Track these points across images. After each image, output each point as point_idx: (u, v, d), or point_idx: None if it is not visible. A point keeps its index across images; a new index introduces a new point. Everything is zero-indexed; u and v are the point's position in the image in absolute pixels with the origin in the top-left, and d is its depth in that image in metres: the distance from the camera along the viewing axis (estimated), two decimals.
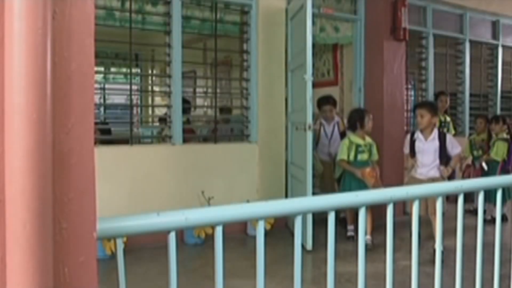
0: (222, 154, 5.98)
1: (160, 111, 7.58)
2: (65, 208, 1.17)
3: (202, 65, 8.01)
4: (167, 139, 5.79)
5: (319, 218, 4.75)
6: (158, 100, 8.43)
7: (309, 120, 5.13)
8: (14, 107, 1.04)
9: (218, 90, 6.42)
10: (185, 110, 6.16)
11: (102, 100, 8.26)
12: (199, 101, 8.42)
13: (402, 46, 7.20)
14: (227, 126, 6.98)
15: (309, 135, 5.17)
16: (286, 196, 6.11)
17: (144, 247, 4.74)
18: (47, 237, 1.09)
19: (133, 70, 7.77)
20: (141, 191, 5.43)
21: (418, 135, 5.36)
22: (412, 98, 8.57)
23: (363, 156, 5.62)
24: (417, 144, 5.35)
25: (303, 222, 2.25)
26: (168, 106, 5.80)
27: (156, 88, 8.46)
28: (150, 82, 9.61)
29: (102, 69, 8.14)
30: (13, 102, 1.04)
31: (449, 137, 5.36)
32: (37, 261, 1.07)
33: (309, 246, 5.12)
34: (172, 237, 1.48)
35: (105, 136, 6.18)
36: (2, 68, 1.07)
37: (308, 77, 5.11)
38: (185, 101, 6.12)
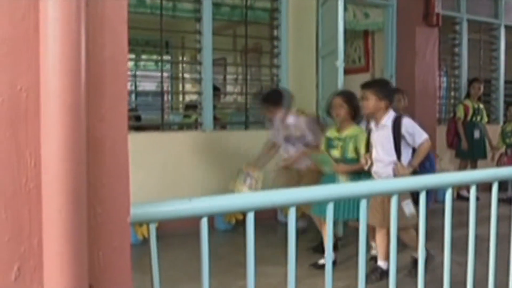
0: (252, 140, 5.98)
1: (190, 98, 7.63)
2: (99, 194, 1.18)
3: (232, 52, 8.00)
4: (198, 126, 5.82)
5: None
6: (188, 87, 8.47)
7: None
8: (49, 94, 1.05)
9: (248, 77, 6.42)
10: (215, 97, 6.18)
11: (133, 87, 8.33)
12: (229, 88, 8.43)
13: (435, 32, 7.08)
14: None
15: None
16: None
17: (175, 233, 4.78)
18: (82, 222, 1.10)
19: (164, 57, 7.79)
20: (172, 177, 5.47)
21: (373, 122, 4.27)
22: (445, 85, 8.44)
23: (334, 153, 4.47)
24: (372, 134, 4.27)
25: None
26: (199, 93, 5.82)
27: (186, 75, 8.48)
28: (180, 69, 9.65)
29: (133, 56, 8.19)
30: (48, 88, 1.05)
31: (406, 122, 4.05)
32: (73, 246, 1.08)
33: (340, 233, 5.11)
34: (204, 223, 1.49)
35: (136, 122, 6.25)
36: (37, 55, 1.09)
37: (340, 63, 5.07)
38: (214, 88, 6.14)
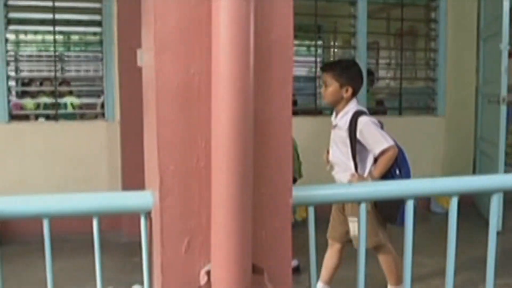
0: (406, 127, 5.80)
1: None
2: (263, 174, 1.22)
3: (385, 36, 7.81)
4: None
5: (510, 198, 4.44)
6: None
7: (504, 92, 4.77)
8: (220, 77, 1.10)
9: (403, 61, 6.23)
10: (369, 82, 6.07)
11: None
12: (381, 73, 8.26)
13: None
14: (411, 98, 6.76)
15: (503, 108, 4.81)
16: (474, 173, 5.78)
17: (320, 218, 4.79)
18: (248, 202, 1.14)
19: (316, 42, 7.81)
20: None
21: (334, 114, 3.35)
22: None
23: None
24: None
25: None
26: None
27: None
28: (332, 53, 9.60)
29: None
30: (219, 71, 1.10)
31: (361, 122, 3.10)
32: (239, 223, 1.13)
33: (498, 227, 4.81)
34: (362, 209, 1.47)
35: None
36: (209, 40, 1.14)
37: (504, 46, 4.74)
38: (368, 72, 6.05)
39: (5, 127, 4.78)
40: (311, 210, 1.45)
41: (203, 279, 1.21)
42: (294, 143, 3.99)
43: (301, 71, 8.86)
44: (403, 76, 6.14)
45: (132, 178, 4.18)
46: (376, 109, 6.36)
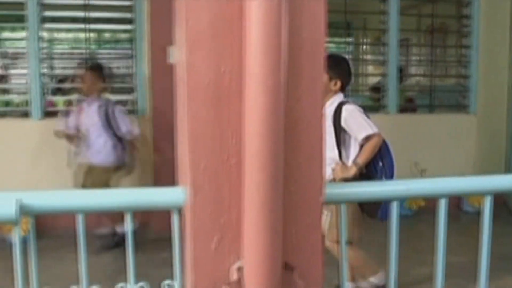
0: (437, 125, 5.74)
1: (371, 80, 7.52)
2: (294, 172, 1.21)
3: (415, 32, 7.72)
4: (381, 108, 5.72)
5: None
6: (369, 68, 8.34)
7: None
8: (251, 76, 1.10)
9: (433, 58, 6.16)
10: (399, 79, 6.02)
11: None
12: (412, 70, 8.16)
13: None
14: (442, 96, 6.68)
15: None
16: (506, 172, 5.68)
17: None
18: (278, 199, 1.14)
19: (346, 39, 7.76)
20: None
21: None
22: None
23: None
24: None
25: None
26: (383, 75, 5.72)
27: (368, 57, 8.34)
28: (361, 51, 9.53)
29: None
30: (251, 71, 1.10)
31: (345, 110, 3.12)
32: (269, 222, 1.13)
33: None
34: (393, 207, 1.46)
35: None
36: (240, 38, 1.14)
37: None
38: (400, 69, 6.00)
39: (39, 123, 4.87)
40: (343, 208, 1.44)
41: (233, 276, 1.22)
42: None
43: None
44: (434, 73, 6.07)
45: (164, 174, 4.22)
46: (406, 106, 6.30)
